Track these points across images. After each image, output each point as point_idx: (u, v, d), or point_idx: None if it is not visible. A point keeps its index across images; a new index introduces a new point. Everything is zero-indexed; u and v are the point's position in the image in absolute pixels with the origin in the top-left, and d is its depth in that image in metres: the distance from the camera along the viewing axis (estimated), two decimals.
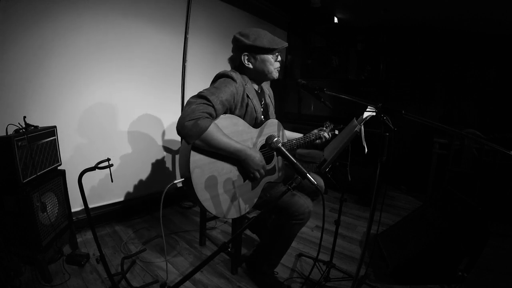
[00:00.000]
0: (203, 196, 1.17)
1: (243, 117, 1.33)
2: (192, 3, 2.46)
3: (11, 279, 1.32)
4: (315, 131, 1.59)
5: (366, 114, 1.09)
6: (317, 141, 1.58)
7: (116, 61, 2.06)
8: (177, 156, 2.62)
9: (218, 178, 1.22)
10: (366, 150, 1.10)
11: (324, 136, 1.58)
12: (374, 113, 1.07)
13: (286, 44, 1.34)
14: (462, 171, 2.62)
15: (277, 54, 1.35)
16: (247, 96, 1.33)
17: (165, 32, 2.34)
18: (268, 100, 1.55)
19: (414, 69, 3.58)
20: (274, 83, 3.59)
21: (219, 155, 1.21)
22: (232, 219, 1.60)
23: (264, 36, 1.30)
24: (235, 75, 1.29)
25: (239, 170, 1.30)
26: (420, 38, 3.52)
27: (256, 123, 1.39)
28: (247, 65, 1.33)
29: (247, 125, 1.33)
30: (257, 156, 1.24)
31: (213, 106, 1.13)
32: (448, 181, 2.72)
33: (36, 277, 1.43)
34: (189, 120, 1.06)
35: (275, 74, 1.38)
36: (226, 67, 1.40)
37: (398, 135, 1.01)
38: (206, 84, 1.32)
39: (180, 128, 1.08)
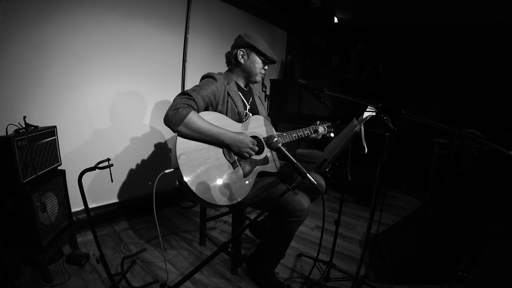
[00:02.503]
0: (192, 182, 1.20)
1: (225, 113, 1.43)
2: (192, 3, 2.46)
3: (11, 279, 1.32)
4: (311, 126, 1.66)
5: (366, 114, 1.09)
6: (313, 135, 1.64)
7: (116, 61, 2.06)
8: None
9: (205, 165, 1.26)
10: (366, 150, 1.10)
11: (317, 130, 1.65)
12: (374, 113, 1.07)
13: (275, 59, 1.51)
14: (462, 171, 2.62)
15: (266, 61, 1.50)
16: (228, 94, 1.45)
17: (165, 32, 2.34)
18: (257, 100, 1.65)
19: (414, 69, 3.58)
20: (274, 83, 3.59)
21: (204, 143, 1.29)
22: (232, 219, 1.60)
23: (263, 43, 1.47)
24: (217, 76, 1.43)
25: (227, 158, 1.34)
26: (420, 38, 3.52)
27: (241, 119, 1.47)
28: (239, 59, 1.48)
29: (230, 120, 1.42)
30: (241, 136, 1.33)
31: (194, 100, 1.29)
32: (448, 181, 2.72)
33: (36, 277, 1.43)
34: (172, 110, 1.23)
35: (259, 78, 1.54)
36: (226, 67, 1.43)
37: (398, 135, 1.01)
38: None
39: (165, 118, 1.24)
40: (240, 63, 1.48)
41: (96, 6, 1.88)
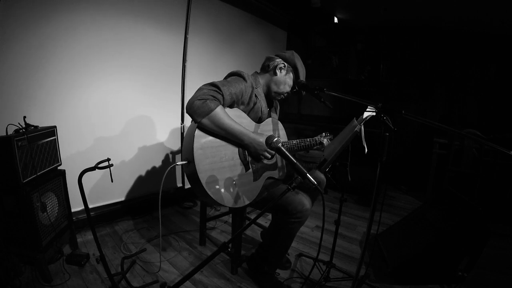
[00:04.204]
0: (204, 178, 1.18)
1: (248, 113, 1.40)
2: (192, 3, 2.46)
3: (11, 279, 1.32)
4: (316, 137, 1.62)
5: (366, 114, 1.09)
6: (315, 147, 1.61)
7: (116, 61, 2.06)
8: (177, 156, 2.62)
9: (220, 164, 1.25)
10: (366, 150, 1.10)
11: (323, 143, 1.61)
12: (374, 113, 1.07)
13: (303, 88, 1.46)
14: (462, 171, 2.62)
15: (293, 89, 1.49)
16: (256, 96, 1.42)
17: (165, 32, 2.33)
18: (273, 111, 1.63)
19: (414, 69, 3.58)
20: None
21: (222, 140, 1.26)
22: (232, 219, 1.60)
23: (303, 73, 1.48)
24: (247, 76, 1.38)
25: (241, 158, 1.33)
26: (420, 38, 3.52)
27: (260, 122, 1.46)
28: (277, 70, 1.46)
29: (249, 119, 1.40)
30: (261, 139, 1.29)
31: (222, 95, 1.23)
32: (448, 181, 2.72)
33: (36, 277, 1.43)
34: (199, 100, 1.16)
35: (278, 97, 1.52)
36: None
37: (398, 135, 1.01)
38: None
39: (190, 106, 1.17)
40: (276, 73, 1.45)
41: (95, 6, 1.88)
